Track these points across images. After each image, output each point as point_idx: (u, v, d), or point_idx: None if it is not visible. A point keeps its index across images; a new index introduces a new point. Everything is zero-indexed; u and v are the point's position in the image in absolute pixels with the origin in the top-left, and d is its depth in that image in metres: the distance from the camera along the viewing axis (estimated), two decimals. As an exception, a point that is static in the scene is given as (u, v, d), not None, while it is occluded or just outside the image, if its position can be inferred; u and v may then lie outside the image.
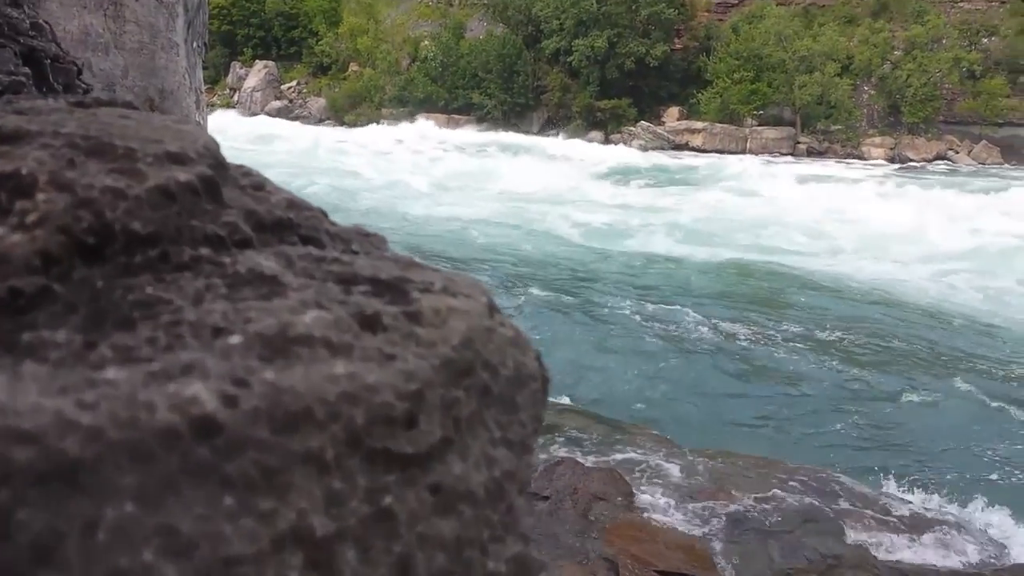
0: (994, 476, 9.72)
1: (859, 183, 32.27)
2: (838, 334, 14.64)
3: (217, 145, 1.35)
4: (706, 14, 54.86)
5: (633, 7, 50.51)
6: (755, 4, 53.25)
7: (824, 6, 53.68)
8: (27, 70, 3.65)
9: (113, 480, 0.56)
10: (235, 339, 0.81)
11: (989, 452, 10.22)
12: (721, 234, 22.26)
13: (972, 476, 9.59)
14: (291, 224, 1.32)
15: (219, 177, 1.25)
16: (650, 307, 15.79)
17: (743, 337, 14.58)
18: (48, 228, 0.89)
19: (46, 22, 4.34)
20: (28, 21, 4.16)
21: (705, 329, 14.92)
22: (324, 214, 1.46)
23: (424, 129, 48.41)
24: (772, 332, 14.73)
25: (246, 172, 1.43)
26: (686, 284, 18.16)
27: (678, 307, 16.11)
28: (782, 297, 16.95)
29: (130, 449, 0.58)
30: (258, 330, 0.83)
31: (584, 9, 50.26)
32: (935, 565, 7.49)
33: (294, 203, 1.39)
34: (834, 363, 13.30)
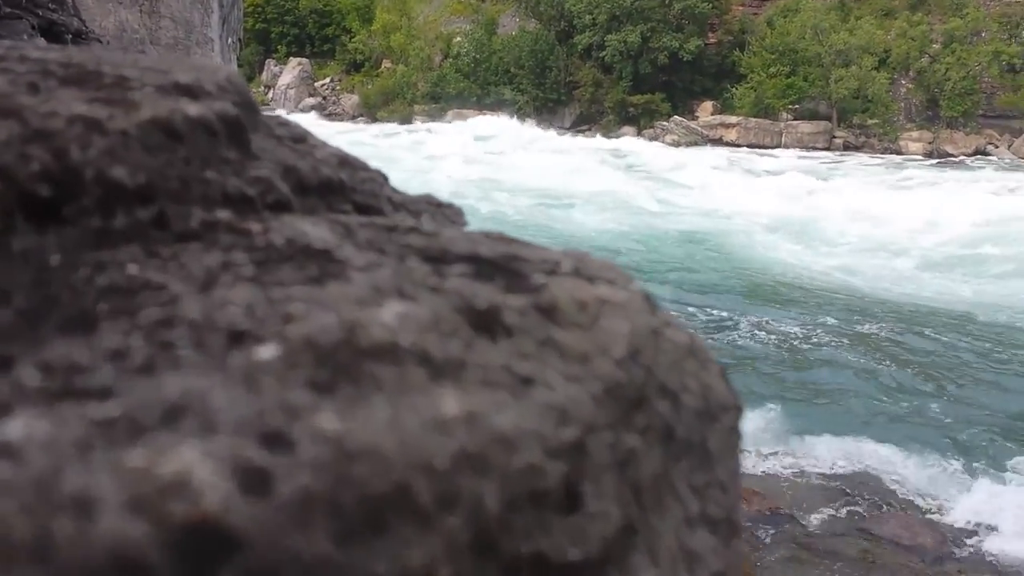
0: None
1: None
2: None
3: (244, 84, 0.99)
4: (740, 8, 54.33)
5: (667, 2, 50.08)
6: (790, -2, 52.62)
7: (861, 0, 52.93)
8: (43, 41, 3.26)
9: None
10: (267, 352, 0.45)
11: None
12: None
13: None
14: (342, 187, 0.96)
15: (247, 119, 0.89)
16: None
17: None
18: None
19: (68, -5, 3.98)
20: (47, -7, 3.82)
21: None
22: (384, 177, 1.10)
23: (501, 127, 46.90)
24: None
25: (283, 121, 1.07)
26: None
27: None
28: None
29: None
30: (307, 335, 0.47)
31: (617, 4, 49.98)
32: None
33: (347, 161, 1.03)
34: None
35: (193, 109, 0.80)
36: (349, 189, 0.98)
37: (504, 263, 0.73)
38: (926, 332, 14.40)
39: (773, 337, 14.04)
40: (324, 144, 1.06)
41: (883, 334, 14.28)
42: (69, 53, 1.08)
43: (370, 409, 0.44)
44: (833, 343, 13.73)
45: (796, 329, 14.33)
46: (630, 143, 44.52)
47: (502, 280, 0.69)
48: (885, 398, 11.50)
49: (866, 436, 10.00)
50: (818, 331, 14.20)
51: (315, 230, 0.72)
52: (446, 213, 1.14)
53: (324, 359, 0.49)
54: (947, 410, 11.09)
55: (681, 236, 21.87)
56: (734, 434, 0.67)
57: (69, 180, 0.66)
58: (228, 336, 0.50)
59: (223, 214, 0.74)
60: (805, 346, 13.57)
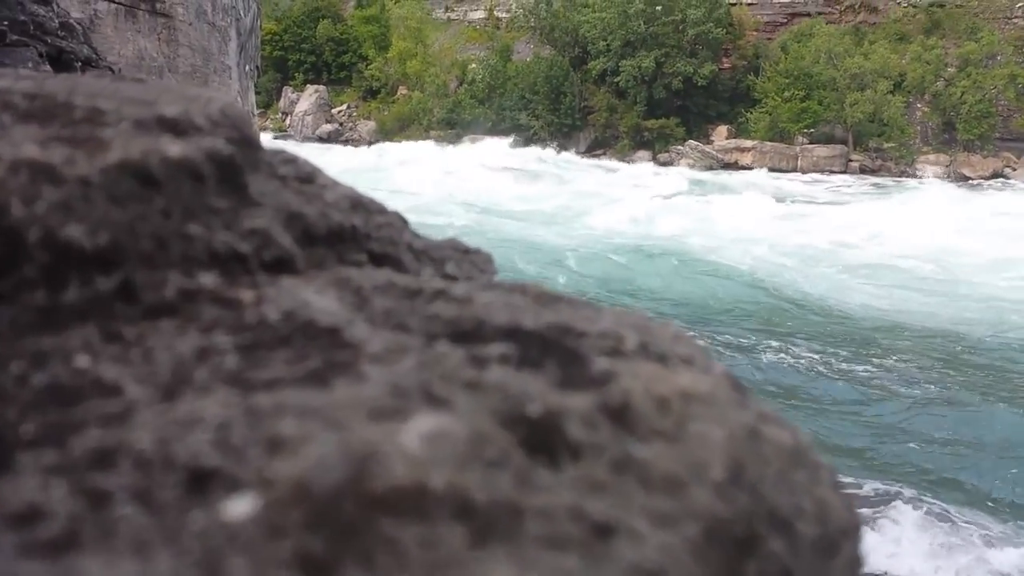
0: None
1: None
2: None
3: (245, 116, 0.84)
4: (754, 33, 54.28)
5: (680, 27, 50.15)
6: (804, 23, 52.50)
7: (875, 24, 52.82)
8: (49, 70, 3.13)
9: None
10: (241, 507, 0.29)
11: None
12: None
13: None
14: (355, 234, 0.79)
15: (244, 158, 0.74)
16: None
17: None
18: None
19: (78, 21, 3.89)
20: (57, 20, 3.72)
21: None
22: (404, 221, 0.95)
23: (496, 151, 46.76)
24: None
25: (289, 158, 0.93)
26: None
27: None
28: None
29: None
30: (299, 477, 0.32)
31: (631, 30, 49.97)
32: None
33: (360, 203, 0.86)
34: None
35: (175, 149, 0.66)
36: (363, 236, 0.84)
37: (555, 339, 0.58)
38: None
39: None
40: (335, 184, 0.92)
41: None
42: (42, 82, 0.94)
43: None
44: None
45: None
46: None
47: (555, 366, 0.54)
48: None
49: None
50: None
51: (320, 300, 0.58)
52: (473, 260, 1.00)
53: (321, 517, 0.34)
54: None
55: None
56: (856, 567, 0.53)
57: (6, 244, 0.52)
58: (189, 481, 0.35)
59: (207, 279, 0.60)
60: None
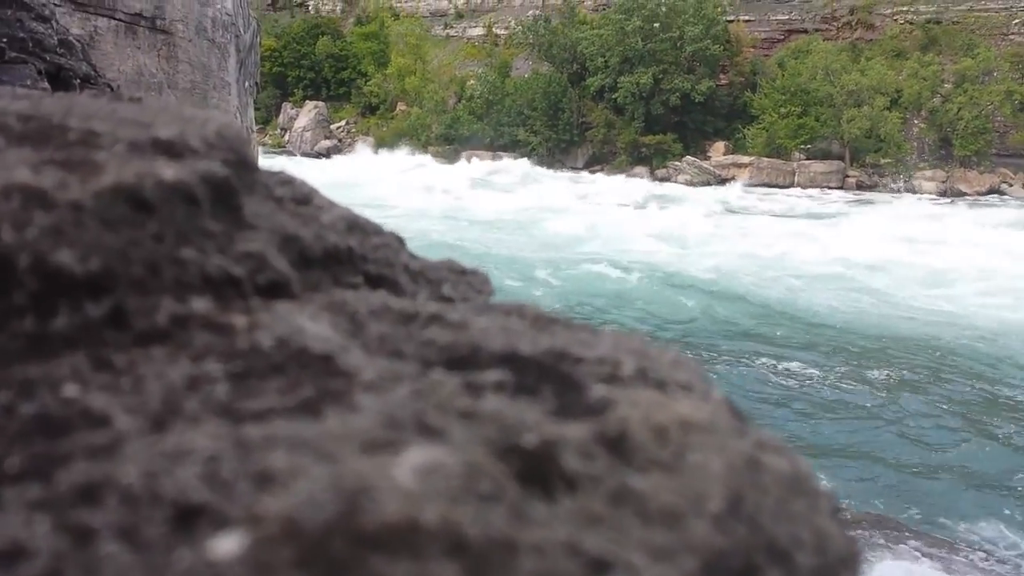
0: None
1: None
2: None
3: (241, 137, 0.84)
4: (751, 50, 54.44)
5: (678, 44, 50.31)
6: (801, 40, 52.65)
7: (871, 40, 52.96)
8: (46, 86, 3.13)
9: None
10: (228, 544, 0.29)
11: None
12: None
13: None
14: (352, 256, 0.79)
15: (239, 180, 0.74)
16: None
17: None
18: None
19: (78, 38, 3.90)
20: (56, 38, 3.72)
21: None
22: (400, 241, 0.95)
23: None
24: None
25: (285, 179, 0.92)
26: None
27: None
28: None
29: None
30: (289, 514, 0.31)
31: (629, 47, 50.12)
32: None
33: (357, 225, 0.86)
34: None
35: (169, 173, 0.65)
36: (359, 258, 0.83)
37: (551, 365, 0.58)
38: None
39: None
40: (332, 205, 0.91)
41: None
42: (38, 103, 0.94)
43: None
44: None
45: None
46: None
47: (552, 394, 0.53)
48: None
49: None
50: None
51: (314, 327, 0.57)
52: (470, 281, 0.99)
53: (311, 554, 0.33)
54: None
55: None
56: (856, 596, 0.52)
57: (-4, 271, 0.51)
58: (176, 517, 0.35)
59: (199, 304, 0.60)
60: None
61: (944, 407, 12.79)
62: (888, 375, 14.32)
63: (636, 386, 0.57)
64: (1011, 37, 50.90)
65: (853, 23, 53.48)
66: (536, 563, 0.36)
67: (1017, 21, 49.58)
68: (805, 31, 53.83)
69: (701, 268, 21.94)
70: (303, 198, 0.88)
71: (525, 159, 49.94)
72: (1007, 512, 9.44)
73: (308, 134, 60.43)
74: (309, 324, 0.57)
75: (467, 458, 0.41)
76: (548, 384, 0.55)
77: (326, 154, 56.16)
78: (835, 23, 54.03)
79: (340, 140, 61.12)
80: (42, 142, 0.71)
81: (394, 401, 0.47)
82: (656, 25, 50.21)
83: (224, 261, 0.65)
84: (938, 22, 51.22)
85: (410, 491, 0.37)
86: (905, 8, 52.06)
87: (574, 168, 50.88)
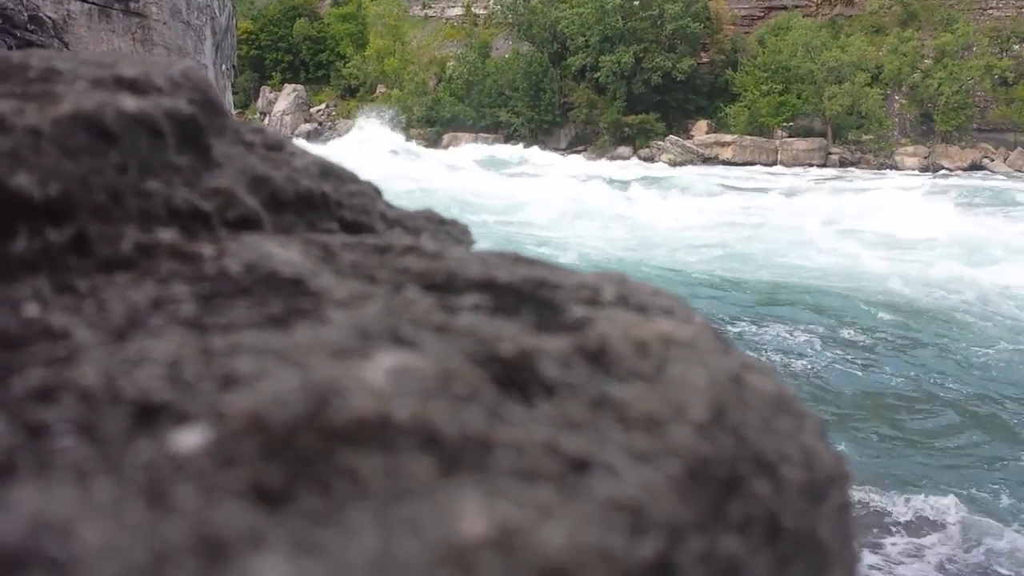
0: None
1: None
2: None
3: (209, 81, 0.82)
4: (732, 27, 54.36)
5: (658, 22, 50.17)
6: (781, 16, 52.60)
7: (851, 16, 52.99)
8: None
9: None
10: (190, 438, 0.27)
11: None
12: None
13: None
14: (326, 201, 0.76)
15: (206, 121, 0.72)
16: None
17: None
18: None
19: (49, 16, 3.85)
20: (27, 14, 3.66)
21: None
22: (376, 191, 0.93)
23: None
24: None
25: (256, 128, 0.90)
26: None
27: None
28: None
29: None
30: (253, 409, 0.29)
31: (609, 25, 49.94)
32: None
33: (331, 171, 0.84)
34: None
35: (131, 104, 0.63)
36: (334, 204, 0.81)
37: (530, 291, 0.56)
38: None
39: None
40: (305, 152, 0.89)
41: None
42: (4, 53, 0.92)
43: (344, 536, 0.27)
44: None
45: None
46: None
47: (531, 314, 0.52)
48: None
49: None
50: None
51: (284, 252, 0.55)
52: (450, 231, 0.97)
53: (277, 447, 0.32)
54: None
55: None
56: (845, 514, 0.50)
57: (-52, 192, 0.49)
58: (136, 415, 0.33)
59: (166, 235, 0.58)
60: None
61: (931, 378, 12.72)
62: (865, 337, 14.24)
63: (616, 308, 0.55)
64: (990, 11, 50.98)
65: (833, -1, 53.48)
66: (513, 460, 0.35)
67: (997, -6, 49.66)
68: (784, 7, 53.76)
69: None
70: (274, 144, 0.86)
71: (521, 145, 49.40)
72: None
73: (288, 118, 60.02)
74: (279, 250, 0.56)
75: (441, 363, 0.40)
76: (526, 307, 0.53)
77: (314, 139, 55.80)
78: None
79: (320, 124, 60.71)
80: (1, 80, 0.68)
81: (366, 316, 0.45)
82: (636, 3, 50.05)
83: (191, 195, 0.63)
84: (917, -3, 51.28)
85: (381, 389, 0.36)
86: (885, -17, 52.08)
87: (557, 149, 50.64)
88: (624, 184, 32.06)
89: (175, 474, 0.30)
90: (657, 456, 0.39)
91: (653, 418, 0.42)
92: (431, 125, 54.98)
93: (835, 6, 53.55)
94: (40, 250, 0.51)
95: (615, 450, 0.38)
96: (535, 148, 48.13)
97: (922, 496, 8.37)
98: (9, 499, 0.28)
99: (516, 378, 0.41)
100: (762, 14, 55.41)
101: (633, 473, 0.37)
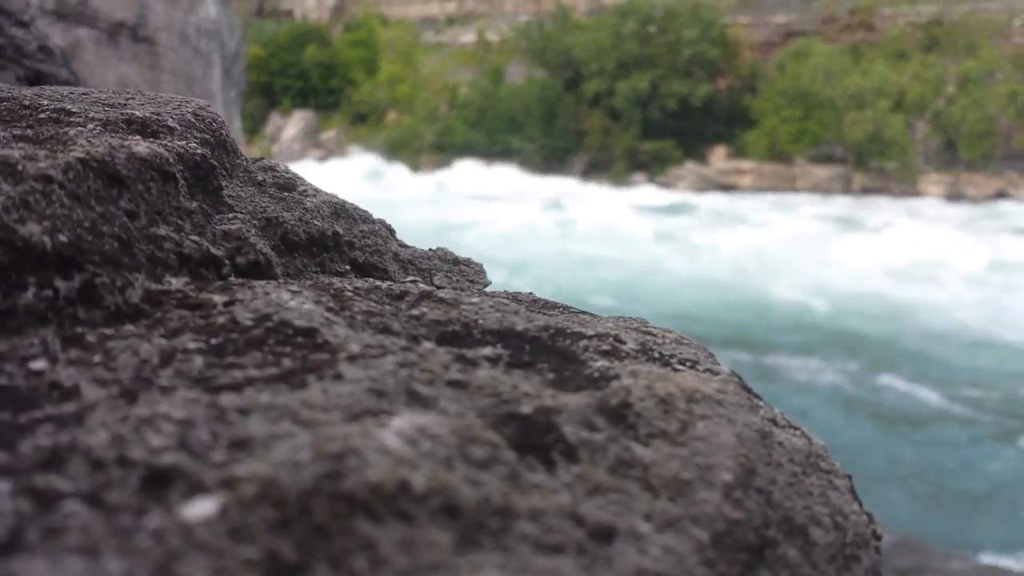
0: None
1: None
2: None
3: (220, 120, 0.81)
4: (750, 53, 54.27)
5: (675, 48, 50.03)
6: (800, 42, 52.51)
7: (872, 42, 52.83)
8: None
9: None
10: (202, 508, 0.27)
11: None
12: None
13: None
14: (338, 242, 0.75)
15: (218, 160, 0.71)
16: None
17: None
18: None
19: (57, 45, 3.89)
20: (36, 43, 3.70)
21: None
22: (390, 230, 0.91)
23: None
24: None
25: (268, 165, 0.89)
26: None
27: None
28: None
29: None
30: (267, 476, 0.29)
31: (625, 51, 49.93)
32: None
33: (343, 210, 0.83)
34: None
35: (143, 148, 0.62)
36: (346, 244, 0.80)
37: (548, 341, 0.55)
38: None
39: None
40: (317, 191, 0.88)
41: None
42: (10, 88, 0.91)
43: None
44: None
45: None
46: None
47: (549, 369, 0.50)
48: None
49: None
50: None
51: (296, 301, 0.54)
52: (464, 271, 0.96)
53: (292, 516, 0.31)
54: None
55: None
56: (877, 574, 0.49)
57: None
58: (146, 481, 0.32)
59: (176, 283, 0.57)
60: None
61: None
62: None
63: (639, 361, 0.54)
64: (1013, 39, 50.76)
65: (853, 25, 53.35)
66: (534, 529, 0.33)
67: (1019, 21, 49.44)
68: (804, 33, 53.70)
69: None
70: (286, 183, 0.86)
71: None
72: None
73: (297, 144, 60.05)
74: (290, 299, 0.54)
75: (459, 424, 0.38)
76: (545, 359, 0.52)
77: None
78: (834, 25, 53.92)
79: (330, 151, 60.75)
80: (12, 120, 0.68)
81: (380, 372, 0.44)
82: (652, 29, 50.09)
83: (202, 240, 0.62)
84: (939, 23, 51.02)
85: (399, 454, 0.34)
86: (906, 9, 51.92)
87: (571, 176, 50.54)
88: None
89: (186, 546, 0.29)
90: (683, 522, 0.38)
91: (679, 481, 0.40)
92: (442, 152, 54.98)
93: (855, 32, 53.48)
94: (48, 301, 0.50)
95: (639, 517, 0.37)
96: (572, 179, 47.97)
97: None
98: (22, 572, 0.27)
99: (536, 440, 0.39)
100: (781, 40, 55.39)
101: (658, 541, 0.36)
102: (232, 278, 0.60)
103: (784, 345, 16.52)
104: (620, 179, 49.49)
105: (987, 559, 8.27)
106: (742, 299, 19.92)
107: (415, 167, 52.09)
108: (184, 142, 0.67)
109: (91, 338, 0.48)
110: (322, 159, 55.54)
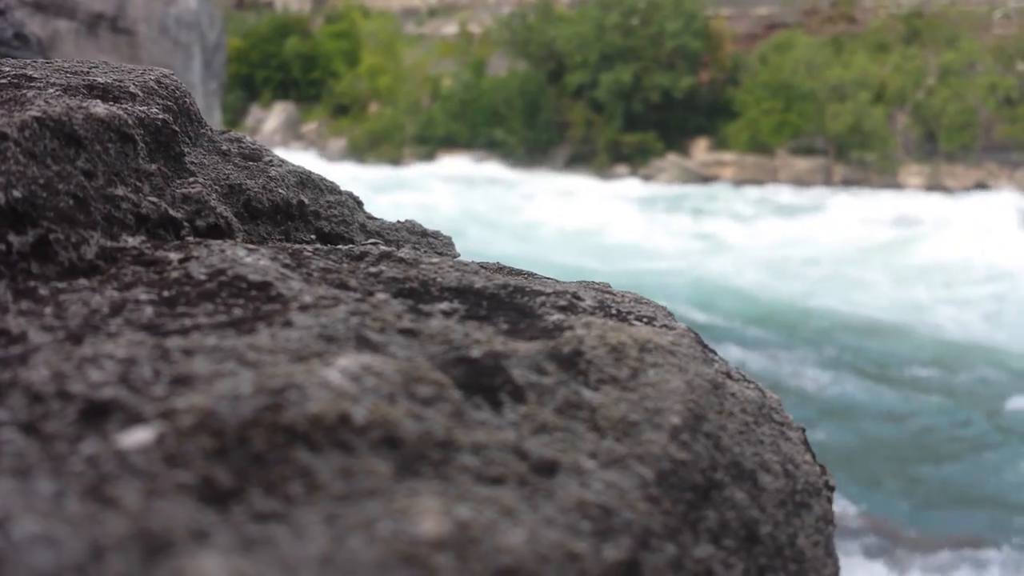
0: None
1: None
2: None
3: (184, 89, 0.80)
4: (732, 45, 54.27)
5: (658, 40, 49.98)
6: (782, 34, 52.57)
7: (854, 34, 52.94)
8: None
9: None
10: (138, 436, 0.26)
11: None
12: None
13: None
14: (303, 211, 0.75)
15: (180, 127, 0.71)
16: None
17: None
18: None
19: (34, 33, 3.85)
20: (11, 31, 3.67)
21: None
22: (357, 201, 0.91)
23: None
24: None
25: (233, 136, 0.88)
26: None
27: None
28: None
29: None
30: (205, 408, 0.28)
31: (608, 43, 49.82)
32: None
33: (309, 180, 0.83)
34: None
35: (100, 109, 0.62)
36: (312, 214, 0.80)
37: (505, 297, 0.55)
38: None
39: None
40: (283, 162, 0.88)
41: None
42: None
43: (293, 535, 0.26)
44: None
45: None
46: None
47: (504, 319, 0.50)
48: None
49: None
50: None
51: (252, 258, 0.54)
52: (432, 243, 0.96)
53: (230, 446, 0.31)
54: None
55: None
56: (827, 525, 0.49)
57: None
58: (83, 412, 0.32)
59: (133, 241, 0.57)
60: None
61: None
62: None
63: (595, 315, 0.54)
64: (994, 30, 50.92)
65: (835, 17, 53.44)
66: (475, 462, 0.33)
67: (999, 13, 49.64)
68: (786, 25, 53.75)
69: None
70: (251, 154, 0.85)
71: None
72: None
73: (278, 136, 59.77)
74: (246, 256, 0.54)
75: (406, 365, 0.38)
76: (501, 313, 0.52)
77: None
78: (816, 17, 53.98)
79: (311, 143, 60.49)
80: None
81: (332, 319, 0.44)
82: (635, 21, 50.03)
83: (160, 202, 0.62)
84: (920, 15, 51.15)
85: (341, 389, 0.34)
86: (887, 1, 52.05)
87: (553, 169, 50.52)
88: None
89: (120, 471, 0.29)
90: (628, 460, 0.38)
91: (627, 423, 0.40)
92: (424, 144, 54.80)
93: (837, 23, 53.57)
94: (1, 255, 0.49)
95: (584, 455, 0.37)
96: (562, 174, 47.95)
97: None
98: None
99: (485, 382, 0.39)
100: (763, 32, 55.43)
101: (602, 476, 0.36)
102: (189, 239, 0.60)
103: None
104: (602, 171, 49.45)
105: (956, 545, 8.30)
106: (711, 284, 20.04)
107: (396, 160, 51.85)
108: (145, 107, 0.67)
109: (43, 291, 0.48)
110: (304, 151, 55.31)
